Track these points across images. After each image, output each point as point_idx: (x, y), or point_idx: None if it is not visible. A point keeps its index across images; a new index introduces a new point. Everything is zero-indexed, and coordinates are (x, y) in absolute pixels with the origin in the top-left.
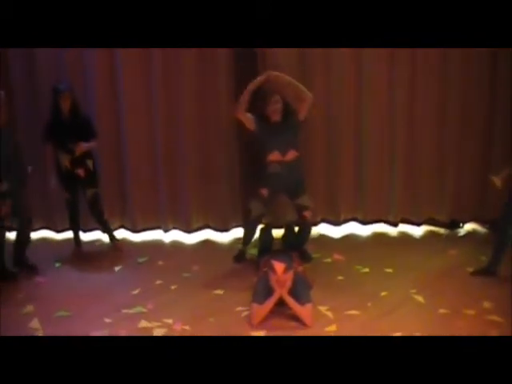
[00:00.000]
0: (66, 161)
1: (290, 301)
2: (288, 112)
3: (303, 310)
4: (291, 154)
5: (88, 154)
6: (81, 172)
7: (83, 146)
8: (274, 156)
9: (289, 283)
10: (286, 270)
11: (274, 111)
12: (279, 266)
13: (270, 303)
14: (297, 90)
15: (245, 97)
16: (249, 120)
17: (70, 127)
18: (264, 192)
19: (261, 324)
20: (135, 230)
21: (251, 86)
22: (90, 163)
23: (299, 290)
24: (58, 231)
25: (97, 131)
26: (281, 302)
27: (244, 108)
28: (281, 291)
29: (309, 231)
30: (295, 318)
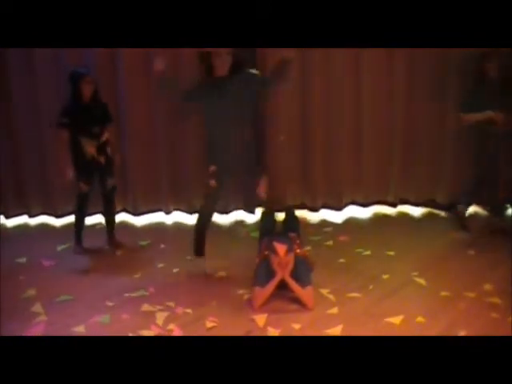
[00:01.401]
0: (91, 147)
1: (292, 283)
2: None
3: (304, 293)
4: None
5: (108, 141)
6: (102, 159)
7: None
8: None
9: (290, 265)
10: (288, 251)
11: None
12: (281, 248)
13: (272, 286)
14: None
15: None
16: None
17: (91, 112)
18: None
19: (262, 307)
20: (136, 213)
21: None
22: (109, 150)
23: (300, 272)
24: (58, 216)
25: (113, 115)
26: (282, 285)
27: None
28: (282, 273)
29: None
30: (296, 301)
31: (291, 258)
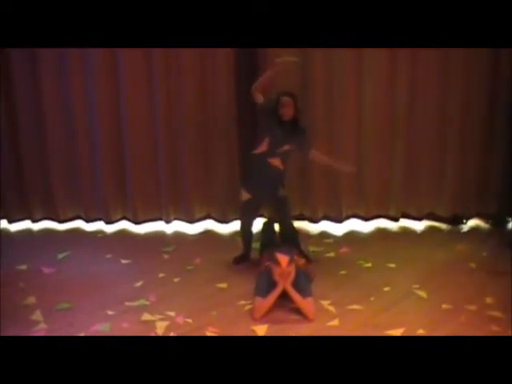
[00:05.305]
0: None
1: (294, 293)
2: None
3: (306, 304)
4: None
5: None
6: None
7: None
8: None
9: (292, 276)
10: (290, 262)
11: None
12: (283, 259)
13: (273, 297)
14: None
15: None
16: None
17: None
18: None
19: (263, 317)
20: (137, 222)
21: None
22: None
23: (301, 283)
24: (61, 221)
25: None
26: (283, 295)
27: None
28: (284, 284)
29: None
30: (297, 312)
31: (293, 268)
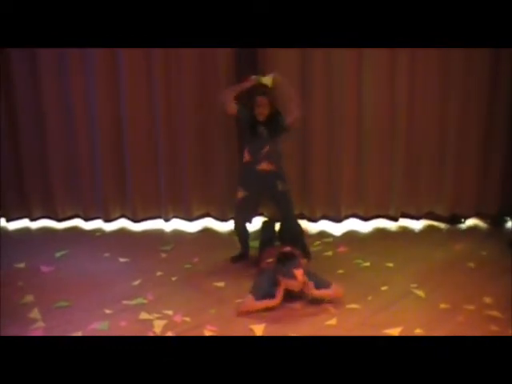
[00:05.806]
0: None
1: (320, 293)
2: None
3: (334, 292)
4: None
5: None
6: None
7: None
8: None
9: (307, 281)
10: (303, 272)
11: None
12: (299, 273)
13: (266, 305)
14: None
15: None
16: None
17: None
18: None
19: (261, 316)
20: (135, 220)
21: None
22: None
23: (315, 280)
24: (59, 220)
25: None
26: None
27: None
28: (306, 290)
29: None
30: (296, 311)
31: (305, 276)
